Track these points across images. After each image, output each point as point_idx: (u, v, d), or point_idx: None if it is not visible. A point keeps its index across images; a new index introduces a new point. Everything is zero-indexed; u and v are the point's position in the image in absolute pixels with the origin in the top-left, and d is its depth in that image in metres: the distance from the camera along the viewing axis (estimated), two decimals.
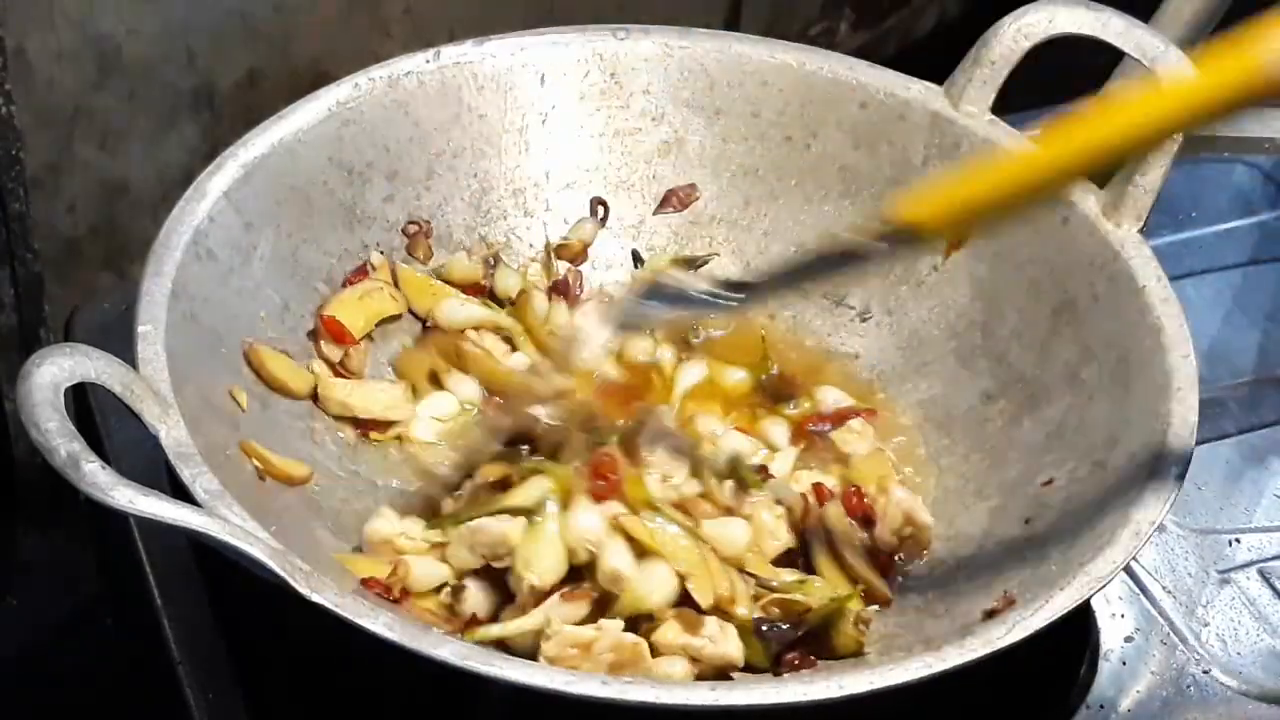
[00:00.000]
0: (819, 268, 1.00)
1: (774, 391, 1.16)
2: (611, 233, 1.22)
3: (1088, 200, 1.12)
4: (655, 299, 1.05)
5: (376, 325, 1.13)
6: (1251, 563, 1.14)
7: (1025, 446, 1.09)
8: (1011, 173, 0.91)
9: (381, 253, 1.15)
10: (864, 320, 1.20)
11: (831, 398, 1.15)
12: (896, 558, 1.05)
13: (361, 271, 1.14)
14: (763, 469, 1.08)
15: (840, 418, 1.14)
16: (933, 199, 0.92)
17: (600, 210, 1.22)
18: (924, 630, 0.98)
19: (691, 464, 1.05)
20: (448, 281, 1.17)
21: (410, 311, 1.16)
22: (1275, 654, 1.09)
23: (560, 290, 1.18)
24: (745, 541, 1.02)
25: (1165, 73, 1.09)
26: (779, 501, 1.05)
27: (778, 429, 1.13)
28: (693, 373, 1.16)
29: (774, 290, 1.06)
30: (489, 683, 0.84)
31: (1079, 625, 1.08)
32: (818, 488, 1.07)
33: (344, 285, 1.13)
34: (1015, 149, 1.01)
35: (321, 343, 1.10)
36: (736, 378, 1.17)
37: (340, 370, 1.10)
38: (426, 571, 0.98)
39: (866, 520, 1.05)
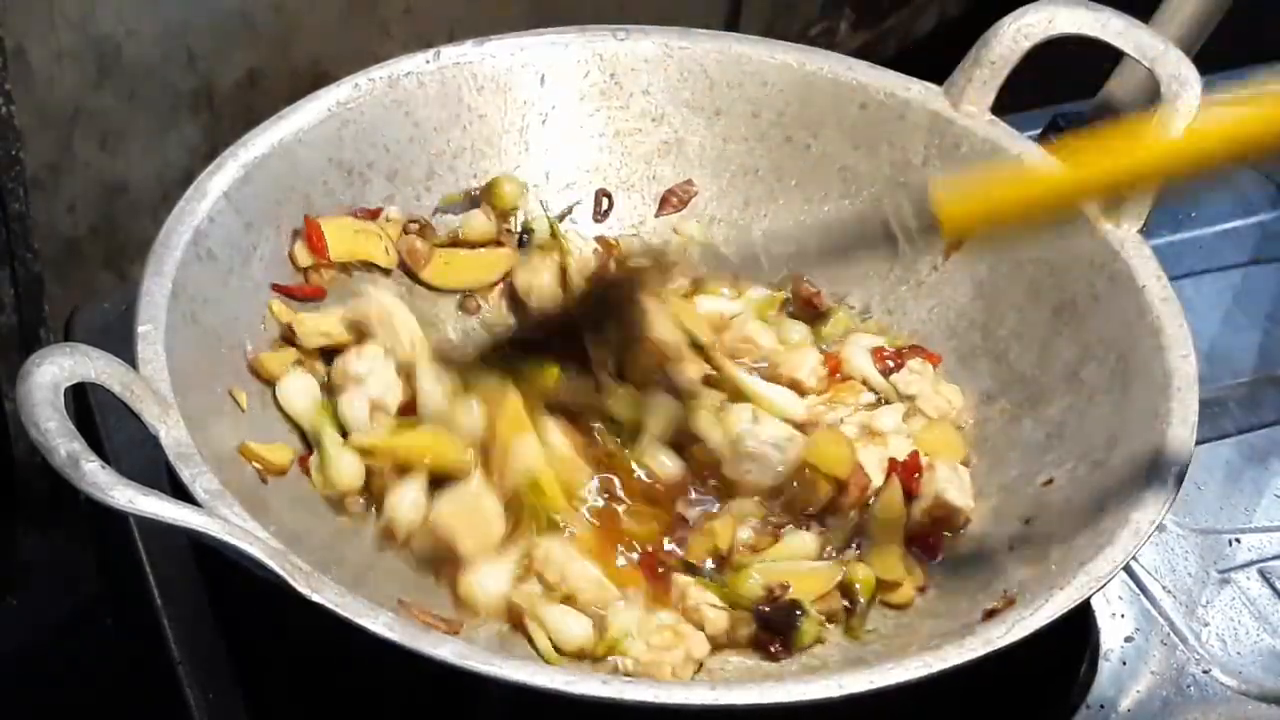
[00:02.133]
0: (855, 245, 1.03)
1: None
2: (612, 232, 1.22)
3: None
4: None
5: (362, 266, 1.13)
6: (1251, 563, 1.14)
7: (1025, 446, 1.09)
8: (1040, 187, 0.91)
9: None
10: (864, 320, 1.20)
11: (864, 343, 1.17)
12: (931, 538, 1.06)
13: (373, 213, 1.14)
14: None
15: (899, 358, 1.15)
16: (966, 198, 0.91)
17: (605, 202, 1.22)
18: (924, 630, 0.99)
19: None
20: (466, 243, 1.17)
21: (402, 268, 1.16)
22: (1275, 654, 1.09)
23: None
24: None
25: (1194, 111, 1.09)
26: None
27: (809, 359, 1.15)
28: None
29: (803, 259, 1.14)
30: (489, 683, 0.84)
31: (1079, 625, 1.08)
32: (892, 463, 1.08)
33: (349, 215, 1.13)
34: (1044, 165, 1.04)
35: (296, 244, 1.10)
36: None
37: (303, 287, 1.10)
38: None
39: (909, 483, 1.07)
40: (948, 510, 1.06)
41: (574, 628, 0.98)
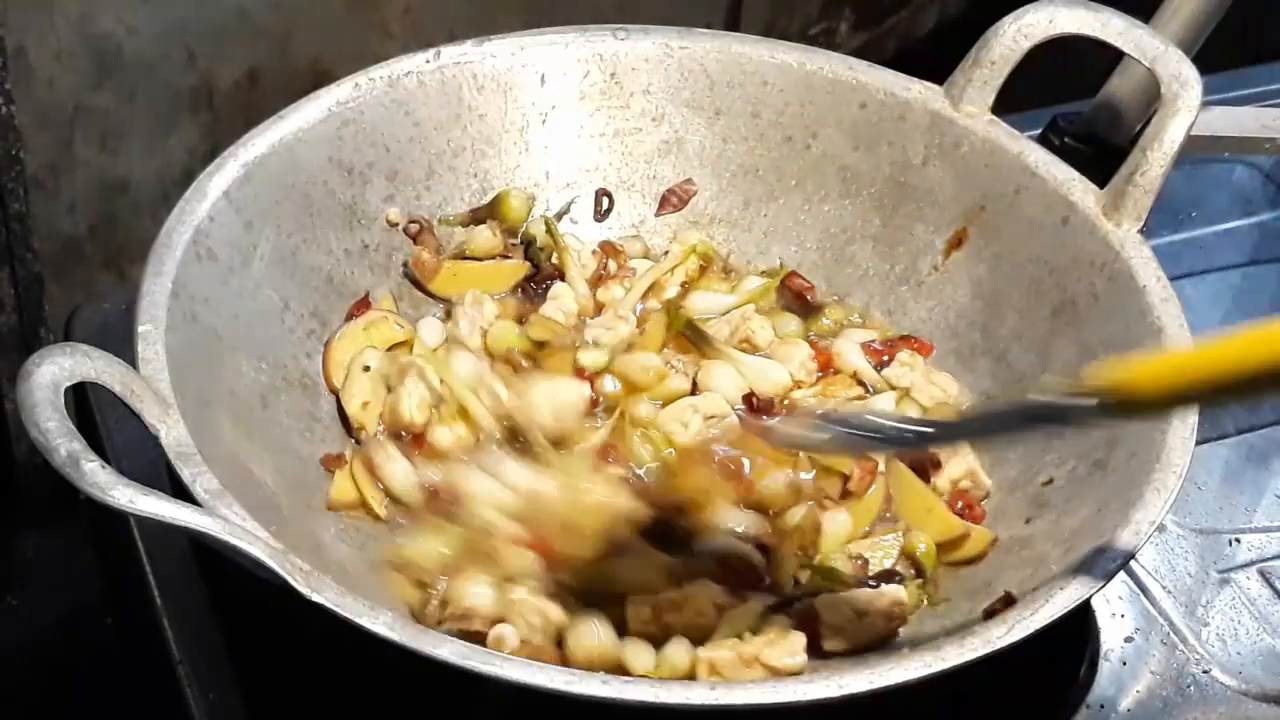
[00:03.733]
0: (1014, 424, 0.93)
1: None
2: (612, 232, 1.22)
3: (1088, 200, 1.12)
4: (841, 427, 0.97)
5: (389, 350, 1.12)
6: (1251, 562, 1.14)
7: (1025, 446, 1.09)
8: (1238, 356, 0.81)
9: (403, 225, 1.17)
10: (862, 318, 1.20)
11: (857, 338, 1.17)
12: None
13: (363, 304, 1.14)
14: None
15: (889, 350, 1.16)
16: (1153, 368, 0.85)
17: (605, 201, 1.22)
18: (924, 629, 0.98)
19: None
20: (471, 257, 1.17)
21: (410, 279, 1.16)
22: (1275, 654, 1.09)
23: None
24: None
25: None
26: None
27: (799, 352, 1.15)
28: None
29: (961, 438, 1.04)
30: (489, 683, 0.84)
31: (1079, 625, 1.08)
32: None
33: (347, 319, 1.12)
34: (1244, 335, 0.86)
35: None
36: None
37: None
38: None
39: (924, 467, 1.08)
40: (974, 480, 1.07)
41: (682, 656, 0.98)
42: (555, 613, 0.98)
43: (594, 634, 0.97)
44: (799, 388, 1.13)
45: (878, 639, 0.98)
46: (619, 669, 0.96)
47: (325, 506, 1.04)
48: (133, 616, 1.11)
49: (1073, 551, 0.95)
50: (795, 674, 0.95)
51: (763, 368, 1.13)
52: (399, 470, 1.05)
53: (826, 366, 1.15)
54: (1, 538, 1.95)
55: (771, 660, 0.95)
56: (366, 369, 1.09)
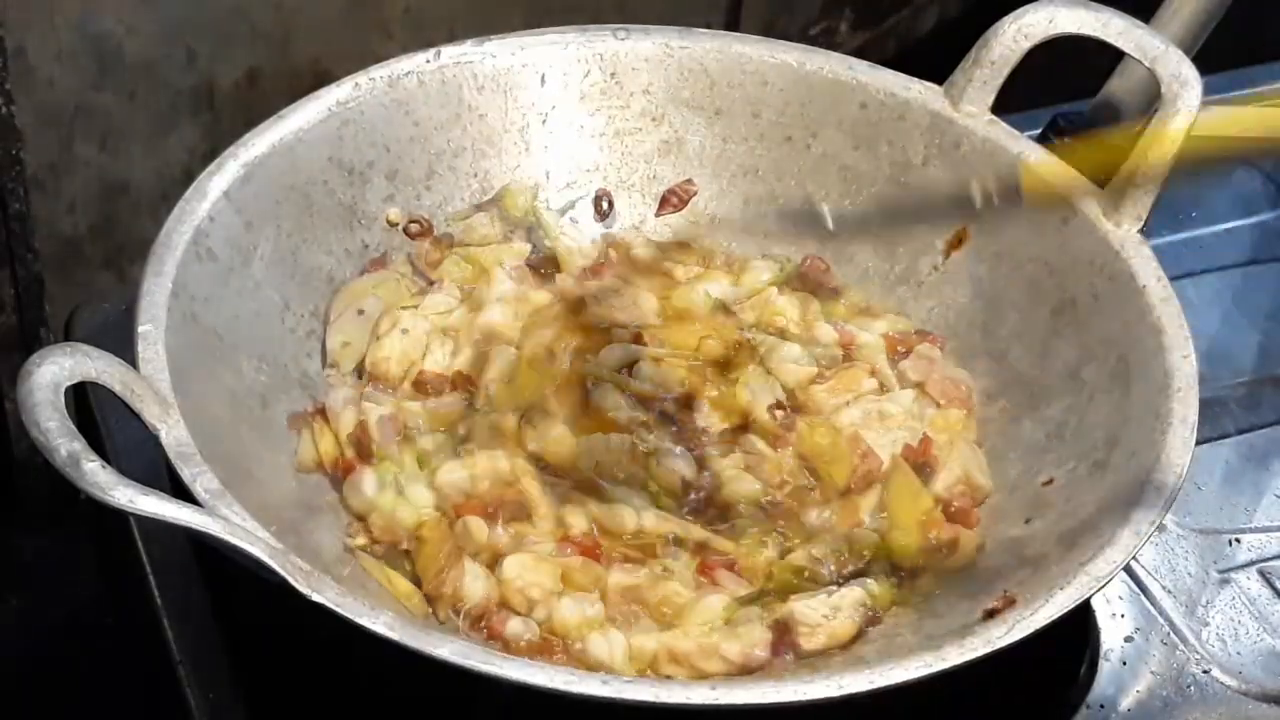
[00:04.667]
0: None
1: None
2: (612, 232, 1.22)
3: (1088, 200, 1.12)
4: None
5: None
6: (1251, 562, 1.14)
7: (1025, 446, 1.09)
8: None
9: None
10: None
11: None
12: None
13: (379, 263, 1.14)
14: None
15: (907, 344, 1.15)
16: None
17: (605, 203, 1.22)
18: (924, 629, 0.98)
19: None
20: (469, 244, 1.18)
21: (415, 271, 1.16)
22: (1275, 654, 1.09)
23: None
24: None
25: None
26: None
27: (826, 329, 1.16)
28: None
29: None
30: (489, 682, 0.84)
31: (1079, 625, 1.08)
32: (907, 449, 1.09)
33: (360, 274, 1.14)
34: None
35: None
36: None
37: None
38: None
39: (925, 467, 1.08)
40: (968, 484, 1.07)
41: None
42: (548, 583, 0.99)
43: (574, 608, 0.98)
44: (821, 377, 1.13)
45: (853, 634, 0.98)
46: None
47: (295, 469, 1.04)
48: (133, 616, 1.11)
49: (1073, 552, 0.95)
50: (755, 670, 0.96)
51: (793, 355, 1.13)
52: (348, 418, 1.06)
53: (848, 346, 1.15)
54: (1, 538, 1.95)
55: (730, 655, 0.96)
56: (360, 312, 1.10)
